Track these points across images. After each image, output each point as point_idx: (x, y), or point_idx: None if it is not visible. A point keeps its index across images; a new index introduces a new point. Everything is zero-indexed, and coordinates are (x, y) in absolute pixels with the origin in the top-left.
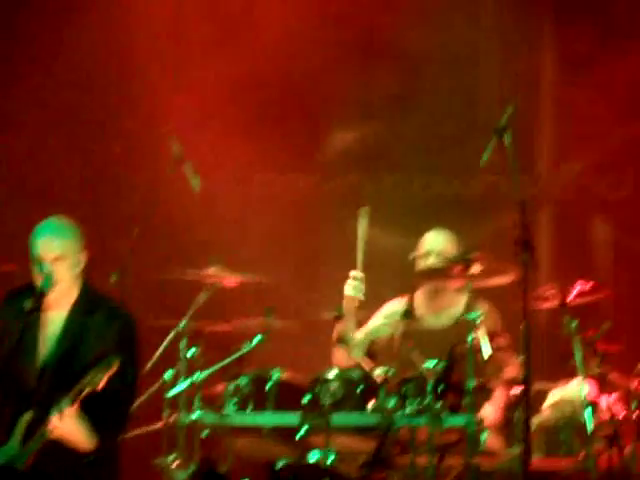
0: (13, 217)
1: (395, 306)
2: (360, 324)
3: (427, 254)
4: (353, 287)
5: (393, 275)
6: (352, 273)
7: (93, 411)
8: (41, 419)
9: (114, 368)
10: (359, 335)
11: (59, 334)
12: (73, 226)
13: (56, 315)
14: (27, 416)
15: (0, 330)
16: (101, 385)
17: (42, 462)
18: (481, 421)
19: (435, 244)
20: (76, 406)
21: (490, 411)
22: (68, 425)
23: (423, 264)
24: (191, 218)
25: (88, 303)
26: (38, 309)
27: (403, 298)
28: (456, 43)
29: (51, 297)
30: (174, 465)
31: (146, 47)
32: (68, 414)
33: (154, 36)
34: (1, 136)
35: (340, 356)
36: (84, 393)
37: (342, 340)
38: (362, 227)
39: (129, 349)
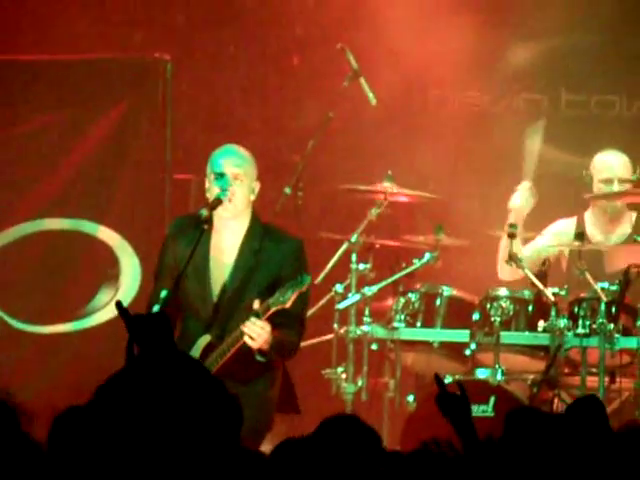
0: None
1: (564, 225)
2: (526, 242)
3: (609, 180)
4: (521, 197)
5: (565, 194)
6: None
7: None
8: (219, 340)
9: (305, 287)
10: (526, 251)
11: (234, 263)
12: (250, 155)
13: (229, 242)
14: (204, 339)
15: (172, 250)
16: (289, 303)
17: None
18: None
19: (617, 170)
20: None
21: None
22: (261, 331)
23: (604, 188)
24: (366, 132)
25: (259, 231)
26: (211, 220)
27: (572, 218)
28: None
29: (225, 217)
30: (343, 377)
31: None
32: (258, 324)
33: None
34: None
35: (508, 272)
36: (272, 310)
37: (512, 257)
38: (535, 139)
39: (301, 269)
